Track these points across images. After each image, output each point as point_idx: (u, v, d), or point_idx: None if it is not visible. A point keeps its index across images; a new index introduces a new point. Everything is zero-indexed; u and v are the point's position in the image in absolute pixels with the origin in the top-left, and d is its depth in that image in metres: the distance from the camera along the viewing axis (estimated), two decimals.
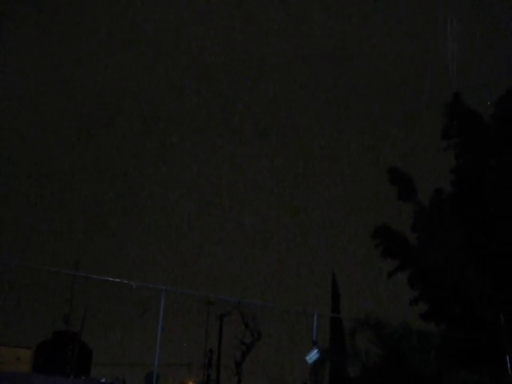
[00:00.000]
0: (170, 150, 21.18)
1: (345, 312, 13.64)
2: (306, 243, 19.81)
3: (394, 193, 11.40)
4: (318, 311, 11.98)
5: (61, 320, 12.28)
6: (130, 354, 12.57)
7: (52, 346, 12.35)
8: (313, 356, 9.96)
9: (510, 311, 9.11)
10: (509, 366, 8.65)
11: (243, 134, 21.72)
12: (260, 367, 12.55)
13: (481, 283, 9.41)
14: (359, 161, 21.04)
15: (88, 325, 11.84)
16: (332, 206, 20.63)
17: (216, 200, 20.45)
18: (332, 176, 20.81)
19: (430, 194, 11.22)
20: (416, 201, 10.99)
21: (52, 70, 20.29)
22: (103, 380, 11.43)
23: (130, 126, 21.04)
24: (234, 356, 12.30)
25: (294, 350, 11.65)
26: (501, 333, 8.94)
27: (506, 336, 8.89)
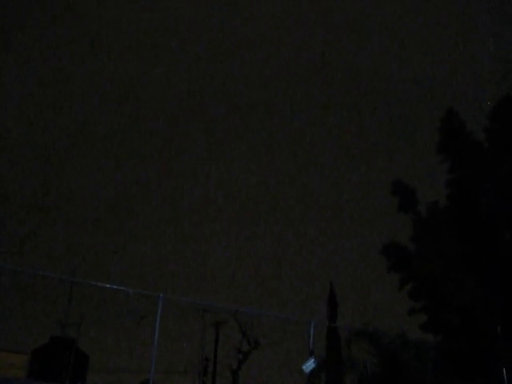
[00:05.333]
0: (171, 162, 21.24)
1: (342, 322, 13.61)
2: (304, 253, 19.81)
3: (393, 205, 11.47)
4: (315, 320, 11.93)
5: (57, 325, 12.26)
6: (126, 360, 12.52)
7: (48, 351, 12.31)
8: (309, 365, 9.93)
9: (506, 321, 9.11)
10: (505, 375, 8.64)
11: (246, 148, 21.83)
12: (256, 376, 12.50)
13: (477, 292, 9.42)
14: (357, 175, 21.14)
15: (84, 331, 11.81)
16: (330, 218, 20.66)
17: (215, 210, 20.48)
18: (331, 189, 20.88)
19: (427, 206, 11.29)
20: (416, 212, 11.06)
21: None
22: None
23: (129, 135, 21.11)
24: (230, 364, 12.27)
25: (290, 359, 11.60)
26: (497, 343, 8.94)
27: (502, 346, 8.89)
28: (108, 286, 11.24)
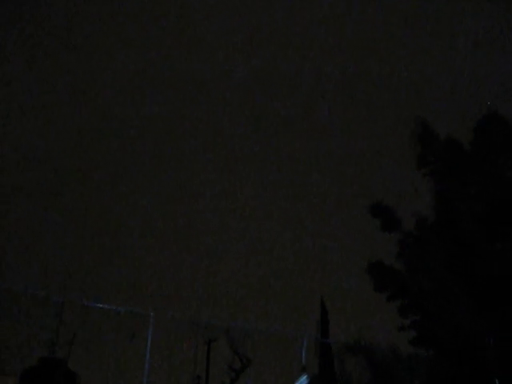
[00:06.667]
0: (160, 173, 21.20)
1: (334, 337, 13.60)
2: (295, 268, 19.81)
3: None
4: (308, 336, 11.93)
5: (47, 346, 12.09)
6: (117, 380, 12.37)
7: (37, 372, 12.12)
8: (302, 382, 9.93)
9: (497, 333, 9.17)
10: None
11: (238, 160, 21.87)
12: None
13: (466, 306, 9.49)
14: (348, 190, 21.25)
15: (74, 351, 11.68)
16: (321, 232, 20.71)
17: (205, 224, 20.45)
18: (323, 203, 20.97)
19: (415, 220, 11.39)
20: (400, 230, 11.16)
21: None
22: None
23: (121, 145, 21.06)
24: (222, 382, 12.17)
25: (283, 376, 11.55)
26: (489, 355, 8.98)
27: (494, 360, 8.93)
28: (99, 305, 11.18)
